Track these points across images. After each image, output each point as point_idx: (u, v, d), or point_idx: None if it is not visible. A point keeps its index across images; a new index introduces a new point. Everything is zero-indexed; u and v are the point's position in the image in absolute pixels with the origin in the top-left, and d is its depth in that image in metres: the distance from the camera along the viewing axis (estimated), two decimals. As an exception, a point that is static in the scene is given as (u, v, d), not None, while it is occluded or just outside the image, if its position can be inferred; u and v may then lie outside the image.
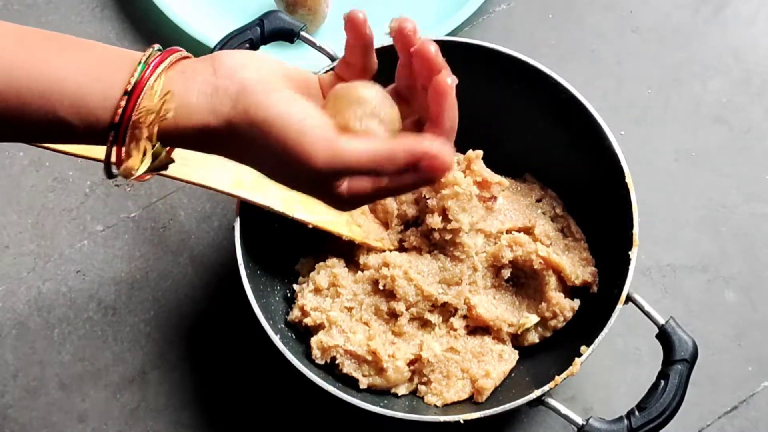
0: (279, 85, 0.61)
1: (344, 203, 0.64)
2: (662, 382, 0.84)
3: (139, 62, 0.60)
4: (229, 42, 0.94)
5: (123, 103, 0.59)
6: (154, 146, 0.61)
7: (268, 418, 0.99)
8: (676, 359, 0.85)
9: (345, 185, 0.62)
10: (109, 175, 0.63)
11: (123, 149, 0.61)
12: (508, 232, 0.96)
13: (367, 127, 0.61)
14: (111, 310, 1.02)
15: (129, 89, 0.59)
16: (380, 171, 0.61)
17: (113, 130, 0.60)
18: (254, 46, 0.95)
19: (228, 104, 0.60)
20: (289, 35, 0.96)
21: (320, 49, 0.96)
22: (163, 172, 0.73)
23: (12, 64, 0.59)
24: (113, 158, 0.62)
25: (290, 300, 0.97)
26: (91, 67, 0.61)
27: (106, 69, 0.61)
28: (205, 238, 1.05)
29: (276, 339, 0.87)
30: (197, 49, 1.09)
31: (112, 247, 1.04)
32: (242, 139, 0.61)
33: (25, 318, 1.01)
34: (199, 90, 0.61)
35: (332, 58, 0.96)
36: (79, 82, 0.60)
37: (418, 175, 0.62)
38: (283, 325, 0.94)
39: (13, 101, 0.59)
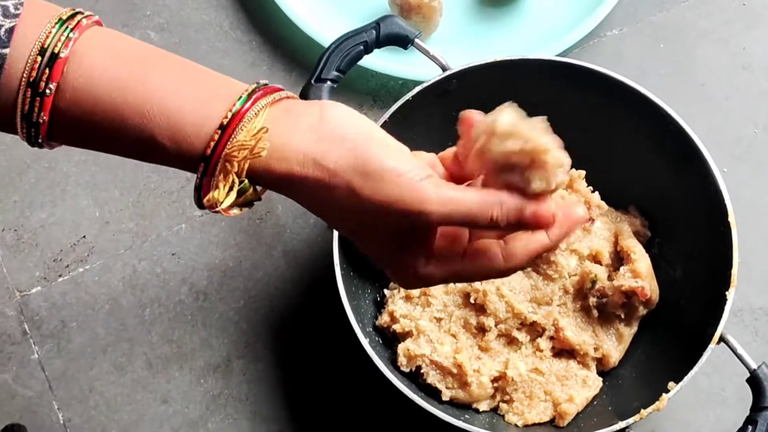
0: (391, 142, 0.61)
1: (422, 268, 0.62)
2: (749, 427, 0.83)
3: (240, 97, 0.59)
4: (344, 42, 0.94)
5: (217, 137, 0.58)
6: (241, 182, 0.60)
7: (348, 418, 0.99)
8: (765, 406, 0.84)
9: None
10: (200, 204, 0.62)
11: (212, 180, 0.60)
12: (597, 256, 0.96)
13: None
14: (202, 296, 1.03)
15: (225, 122, 0.58)
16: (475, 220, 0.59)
17: (204, 161, 0.59)
18: (368, 48, 0.95)
19: (334, 154, 0.59)
20: (403, 41, 0.96)
21: (433, 58, 0.97)
22: None
23: (115, 78, 0.59)
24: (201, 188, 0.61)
25: (379, 304, 0.97)
26: (194, 93, 0.60)
27: (209, 98, 0.60)
28: (300, 234, 1.05)
29: (365, 342, 0.88)
30: (309, 46, 1.10)
31: (209, 233, 1.06)
32: (337, 190, 0.59)
33: (118, 294, 1.03)
34: (303, 135, 0.59)
35: (444, 68, 0.96)
36: (179, 108, 0.59)
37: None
38: (370, 329, 0.95)
39: (111, 115, 0.59)
